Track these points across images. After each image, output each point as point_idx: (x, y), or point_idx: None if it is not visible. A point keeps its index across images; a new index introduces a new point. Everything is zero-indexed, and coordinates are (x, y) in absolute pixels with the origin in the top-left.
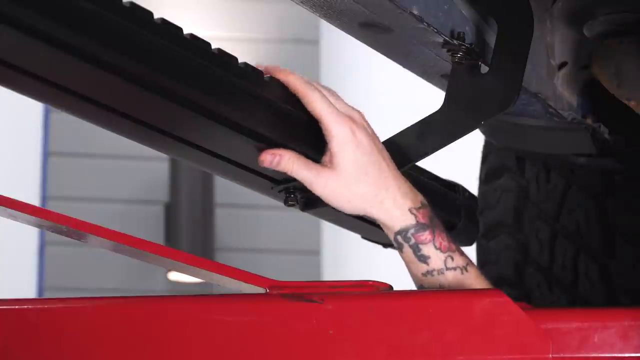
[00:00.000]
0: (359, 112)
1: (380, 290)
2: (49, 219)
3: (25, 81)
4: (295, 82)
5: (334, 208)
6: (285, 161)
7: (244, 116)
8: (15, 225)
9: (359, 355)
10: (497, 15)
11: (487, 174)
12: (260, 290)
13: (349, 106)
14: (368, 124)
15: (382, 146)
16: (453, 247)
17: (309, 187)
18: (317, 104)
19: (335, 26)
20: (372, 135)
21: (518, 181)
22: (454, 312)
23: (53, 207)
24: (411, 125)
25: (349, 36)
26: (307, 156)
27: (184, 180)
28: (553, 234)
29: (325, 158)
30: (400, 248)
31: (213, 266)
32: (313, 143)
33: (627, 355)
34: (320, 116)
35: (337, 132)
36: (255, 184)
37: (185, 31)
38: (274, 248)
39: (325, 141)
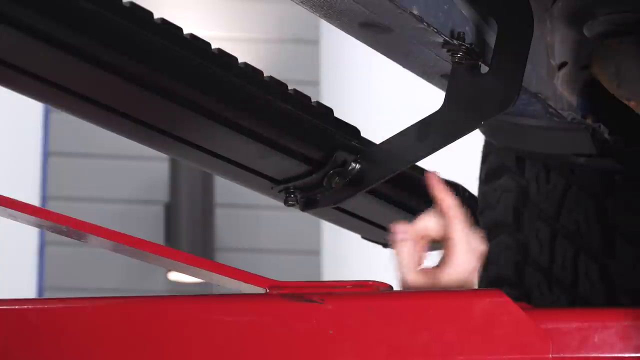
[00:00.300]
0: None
1: (380, 290)
2: (49, 219)
3: (25, 81)
4: (448, 206)
5: (334, 208)
6: (401, 243)
7: (244, 116)
8: (15, 225)
9: (359, 355)
10: (497, 15)
11: (487, 174)
12: (260, 290)
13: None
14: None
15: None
16: None
17: (399, 277)
18: (459, 236)
19: (335, 26)
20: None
21: (518, 181)
22: (454, 312)
23: (53, 207)
24: (411, 125)
25: (349, 36)
26: (306, 156)
27: (184, 180)
28: (553, 234)
29: (434, 270)
30: None
31: (213, 266)
32: (312, 143)
33: (627, 355)
34: (456, 246)
35: (462, 267)
36: (255, 184)
37: (185, 31)
38: (274, 248)
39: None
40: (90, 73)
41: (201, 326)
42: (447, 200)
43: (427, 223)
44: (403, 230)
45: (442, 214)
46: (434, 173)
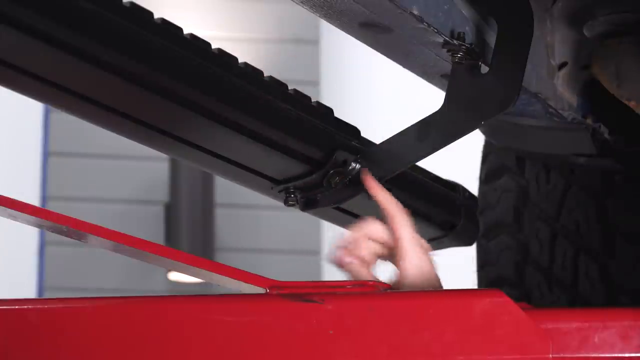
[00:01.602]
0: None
1: (380, 290)
2: (49, 219)
3: (25, 81)
4: (386, 202)
5: (334, 208)
6: (355, 266)
7: (244, 116)
8: (15, 225)
9: (359, 355)
10: (497, 15)
11: (487, 174)
12: (260, 290)
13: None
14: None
15: (436, 274)
16: None
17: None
18: (403, 230)
19: (335, 26)
20: (431, 263)
21: (518, 181)
22: (454, 312)
23: (53, 207)
24: (411, 125)
25: (349, 36)
26: (306, 156)
27: (184, 180)
28: (553, 234)
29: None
30: None
31: (213, 266)
32: (312, 143)
33: (627, 355)
34: (402, 240)
35: (411, 257)
36: (255, 184)
37: (185, 31)
38: (274, 248)
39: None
40: (90, 73)
41: (201, 326)
42: (386, 198)
43: (371, 228)
44: (344, 253)
45: (383, 212)
46: (367, 170)
